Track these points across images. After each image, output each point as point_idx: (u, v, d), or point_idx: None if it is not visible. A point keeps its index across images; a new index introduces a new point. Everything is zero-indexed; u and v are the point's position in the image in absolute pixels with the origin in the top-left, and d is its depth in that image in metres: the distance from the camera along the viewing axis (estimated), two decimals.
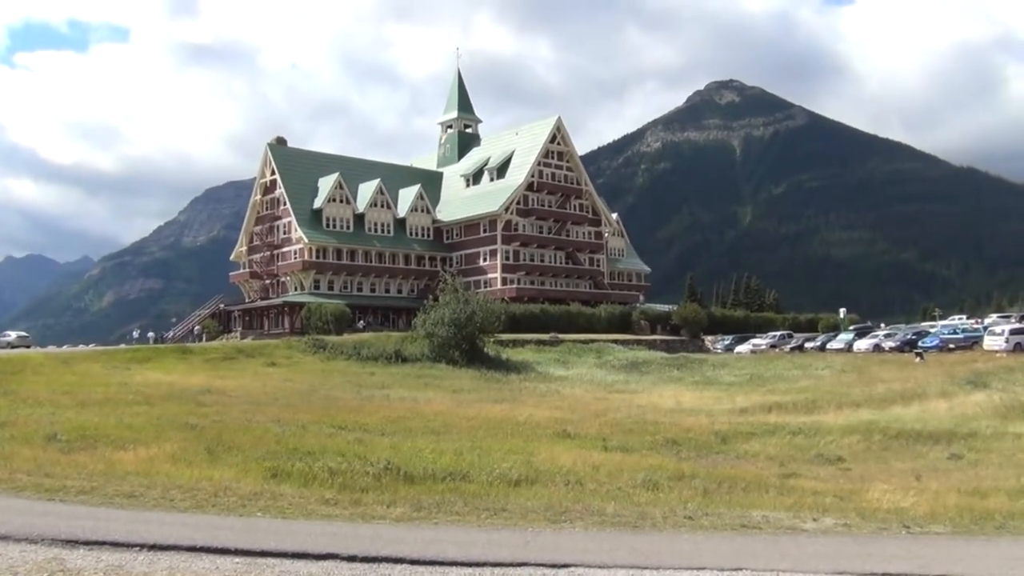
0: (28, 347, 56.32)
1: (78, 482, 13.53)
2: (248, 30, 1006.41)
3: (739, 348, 69.81)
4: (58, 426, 19.75)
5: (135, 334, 79.17)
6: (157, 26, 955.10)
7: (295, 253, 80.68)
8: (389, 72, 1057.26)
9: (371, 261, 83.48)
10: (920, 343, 56.80)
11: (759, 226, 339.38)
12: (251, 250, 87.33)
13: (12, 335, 61.29)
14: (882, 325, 78.79)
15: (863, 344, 60.94)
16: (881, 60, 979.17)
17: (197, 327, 77.22)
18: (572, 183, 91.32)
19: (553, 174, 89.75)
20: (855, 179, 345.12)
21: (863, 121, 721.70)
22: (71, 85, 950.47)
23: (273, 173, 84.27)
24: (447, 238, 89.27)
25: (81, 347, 62.62)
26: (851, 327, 74.74)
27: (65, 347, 63.10)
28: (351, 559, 8.81)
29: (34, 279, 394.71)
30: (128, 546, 9.03)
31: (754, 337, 73.82)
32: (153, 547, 9.01)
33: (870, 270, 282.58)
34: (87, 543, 9.11)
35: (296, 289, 79.82)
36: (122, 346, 61.97)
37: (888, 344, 59.58)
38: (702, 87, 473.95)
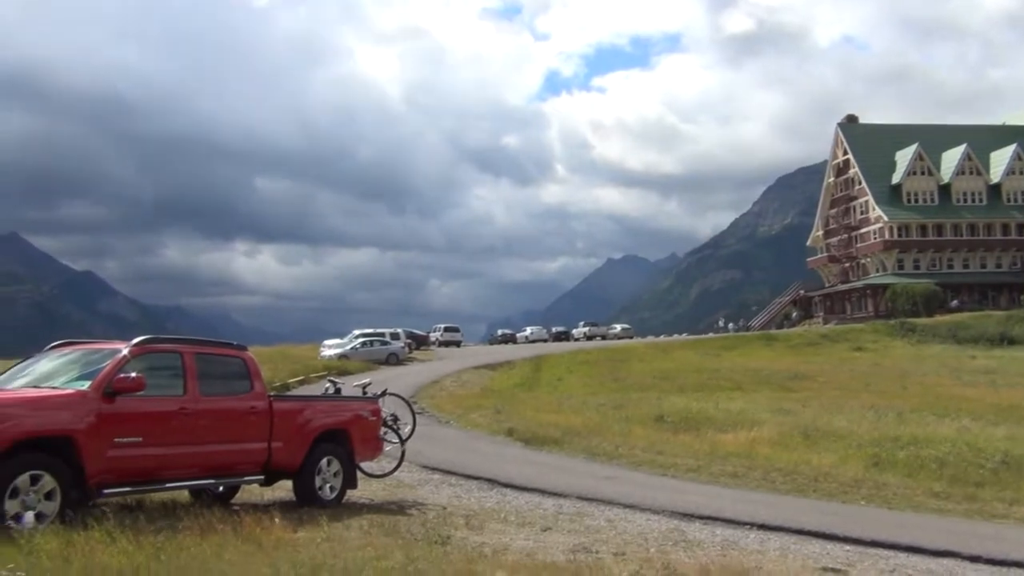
0: (631, 337, 63.35)
1: (686, 460, 14.67)
2: (792, 9, 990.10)
3: None
4: (663, 408, 21.65)
5: (720, 323, 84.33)
6: (703, 24, 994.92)
7: (874, 233, 77.07)
8: (951, 24, 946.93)
9: (961, 235, 76.00)
10: None
11: None
12: (827, 234, 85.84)
13: (617, 327, 69.93)
14: None
15: None
16: None
17: (795, 314, 79.36)
18: None
19: None
20: None
21: None
22: (637, 98, 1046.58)
23: (845, 153, 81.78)
24: None
25: (675, 336, 68.59)
26: None
27: (661, 337, 69.54)
28: (974, 559, 8.13)
29: (630, 277, 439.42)
30: (739, 523, 9.49)
31: None
32: (762, 527, 9.33)
33: None
34: (702, 517, 9.81)
35: (878, 270, 76.27)
36: (709, 335, 66.47)
37: None
38: None
